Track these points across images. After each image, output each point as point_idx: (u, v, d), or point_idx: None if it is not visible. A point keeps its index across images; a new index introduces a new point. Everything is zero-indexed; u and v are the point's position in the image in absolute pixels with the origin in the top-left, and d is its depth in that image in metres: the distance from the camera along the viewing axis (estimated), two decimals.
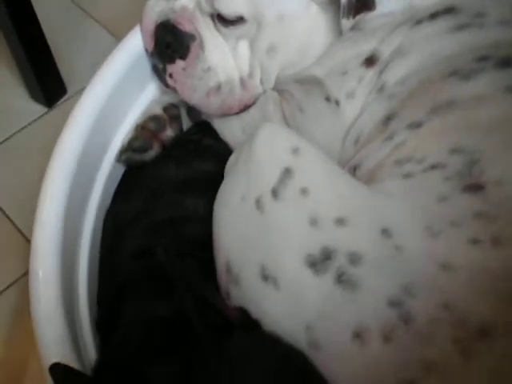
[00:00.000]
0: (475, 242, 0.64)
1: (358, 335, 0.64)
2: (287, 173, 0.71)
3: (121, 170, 0.94)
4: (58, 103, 1.37)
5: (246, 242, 0.71)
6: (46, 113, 1.36)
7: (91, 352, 0.79)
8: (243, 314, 0.68)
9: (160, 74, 0.92)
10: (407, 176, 0.73)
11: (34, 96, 1.36)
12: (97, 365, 0.72)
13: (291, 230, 0.69)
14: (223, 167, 0.83)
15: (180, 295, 0.66)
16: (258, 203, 0.71)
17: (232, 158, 0.82)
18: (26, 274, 1.06)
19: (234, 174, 0.77)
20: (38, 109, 1.36)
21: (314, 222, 0.68)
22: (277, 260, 0.69)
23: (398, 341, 0.62)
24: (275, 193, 0.70)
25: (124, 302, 0.76)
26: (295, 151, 0.72)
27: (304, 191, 0.70)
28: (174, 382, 0.62)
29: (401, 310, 0.63)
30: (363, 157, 0.81)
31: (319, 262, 0.66)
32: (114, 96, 0.90)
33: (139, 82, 0.95)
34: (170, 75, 0.91)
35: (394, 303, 0.63)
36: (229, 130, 0.94)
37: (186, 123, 0.98)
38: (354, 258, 0.65)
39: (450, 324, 0.62)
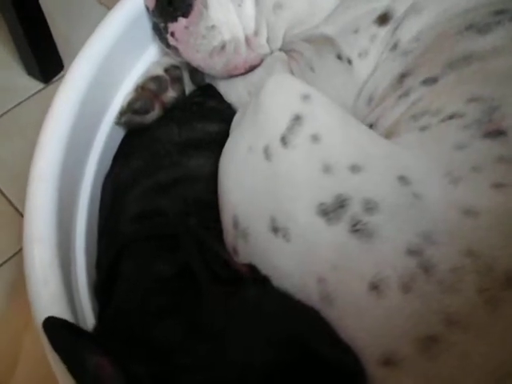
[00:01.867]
0: (498, 186, 0.60)
1: (374, 286, 0.59)
2: (297, 119, 0.67)
3: (120, 133, 0.89)
4: (55, 79, 1.33)
5: (253, 194, 0.67)
6: (42, 88, 1.32)
7: (89, 317, 0.74)
8: (252, 269, 0.64)
9: (161, 33, 0.88)
10: (424, 128, 0.69)
11: (31, 72, 1.33)
12: (95, 325, 0.67)
13: (302, 178, 0.65)
14: (228, 128, 0.79)
15: (185, 249, 0.62)
16: (267, 152, 0.67)
17: (238, 115, 0.78)
18: (21, 250, 1.01)
19: (241, 127, 0.73)
20: (35, 84, 1.33)
21: (326, 169, 0.64)
22: (287, 210, 0.64)
23: (418, 291, 0.58)
24: (284, 140, 0.66)
25: (124, 264, 0.72)
26: (305, 98, 0.68)
27: (315, 138, 0.65)
28: (179, 339, 0.57)
29: (421, 258, 0.58)
30: (379, 115, 0.77)
31: (332, 210, 0.62)
32: (112, 57, 0.86)
33: (139, 43, 0.91)
34: (172, 34, 0.87)
35: (413, 252, 0.59)
36: (234, 91, 0.90)
37: (189, 87, 0.94)
38: (370, 206, 0.61)
39: (475, 272, 0.57)
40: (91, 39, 0.86)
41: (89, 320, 0.74)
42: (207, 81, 0.93)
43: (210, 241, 0.64)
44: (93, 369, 0.56)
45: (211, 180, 0.77)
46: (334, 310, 0.61)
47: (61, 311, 0.66)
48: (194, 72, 0.93)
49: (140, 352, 0.58)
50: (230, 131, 0.77)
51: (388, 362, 0.58)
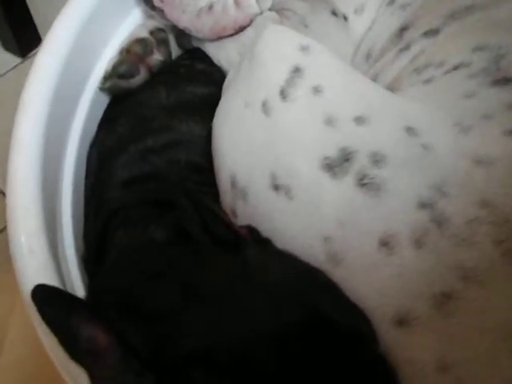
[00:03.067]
0: (511, 133, 0.56)
1: (384, 243, 0.56)
2: (297, 71, 0.63)
3: (105, 99, 0.85)
4: (32, 53, 1.28)
5: (252, 151, 0.63)
6: (20, 63, 1.27)
7: (79, 291, 0.70)
8: (252, 231, 0.60)
9: None
10: (428, 81, 0.66)
11: (8, 46, 1.28)
12: (86, 297, 0.63)
13: (304, 132, 0.61)
14: (219, 92, 0.75)
15: (181, 211, 0.57)
16: (265, 107, 0.63)
17: (230, 75, 0.74)
18: (4, 230, 0.97)
19: (235, 83, 0.69)
20: (12, 59, 1.28)
21: (329, 122, 0.60)
22: (289, 166, 0.60)
23: (432, 246, 0.55)
24: (284, 93, 0.62)
25: (114, 231, 0.68)
26: (305, 49, 0.64)
27: (317, 90, 0.62)
28: (177, 304, 0.53)
29: (433, 211, 0.55)
30: (378, 71, 0.74)
31: (337, 164, 0.58)
32: (94, 20, 0.82)
33: (123, 6, 0.87)
34: None
35: (424, 205, 0.55)
36: (224, 53, 0.86)
37: (175, 51, 0.89)
38: (377, 159, 0.58)
39: (491, 223, 0.54)
40: (70, 3, 0.82)
41: (79, 293, 0.69)
42: (194, 44, 0.89)
43: (207, 201, 0.60)
44: (86, 341, 0.52)
45: (203, 143, 0.74)
46: (342, 271, 0.57)
47: (49, 281, 0.61)
48: (181, 35, 0.88)
49: (134, 321, 0.53)
50: (223, 91, 0.73)
51: (402, 321, 0.55)
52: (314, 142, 0.60)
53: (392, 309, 0.55)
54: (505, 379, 0.54)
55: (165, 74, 0.83)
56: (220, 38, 0.85)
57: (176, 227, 0.62)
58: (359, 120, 0.60)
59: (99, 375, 0.52)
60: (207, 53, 0.87)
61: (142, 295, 0.56)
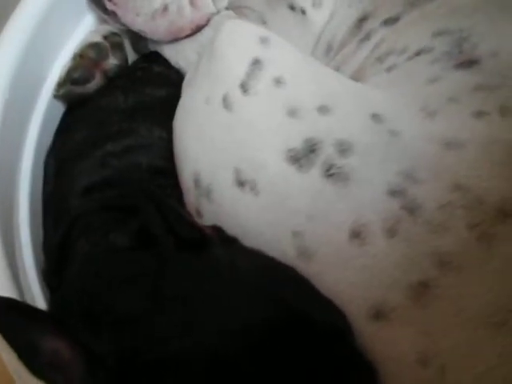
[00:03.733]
0: (480, 114, 0.55)
1: (356, 234, 0.54)
2: (257, 63, 0.61)
3: (61, 108, 0.82)
4: None
5: (214, 148, 0.61)
6: None
7: (41, 305, 0.66)
8: (218, 230, 0.57)
9: None
10: (390, 68, 0.64)
11: None
12: (48, 311, 0.60)
13: (267, 125, 0.59)
14: (178, 93, 0.73)
15: (143, 212, 0.55)
16: (226, 101, 0.61)
17: (189, 74, 0.71)
18: None
19: (195, 80, 0.66)
20: None
21: (292, 113, 0.58)
22: (253, 161, 0.58)
23: (405, 234, 0.53)
24: (244, 87, 0.60)
25: (75, 241, 0.65)
26: (264, 41, 0.62)
27: (278, 81, 0.60)
28: (144, 310, 0.51)
29: (404, 198, 0.53)
30: (340, 64, 0.72)
31: (303, 156, 0.56)
32: (45, 26, 0.78)
33: (75, 11, 0.84)
34: None
35: (395, 192, 0.53)
36: (181, 54, 0.84)
37: (132, 56, 0.87)
38: (343, 148, 0.56)
39: (464, 207, 0.52)
40: (20, 9, 0.79)
41: (40, 307, 0.66)
42: (151, 48, 0.87)
43: (170, 202, 0.57)
44: (49, 354, 0.48)
45: (164, 145, 0.71)
46: (314, 265, 0.55)
47: (6, 293, 0.58)
48: (136, 39, 0.86)
49: (101, 330, 0.50)
50: (183, 89, 0.70)
51: (378, 314, 0.53)
52: (277, 134, 0.58)
53: (367, 302, 0.53)
54: (488, 367, 0.52)
55: (121, 78, 0.81)
56: (177, 39, 0.83)
57: (139, 232, 0.59)
58: (323, 109, 0.58)
59: None
60: (165, 55, 0.85)
61: (107, 304, 0.53)
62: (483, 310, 0.52)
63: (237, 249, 0.55)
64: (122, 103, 0.76)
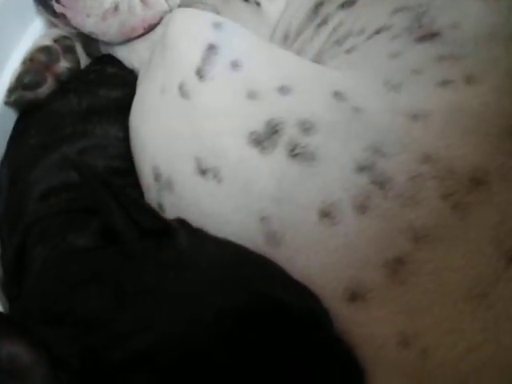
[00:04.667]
0: (445, 83, 0.53)
1: (325, 214, 0.51)
2: (211, 49, 0.59)
3: (13, 114, 0.79)
4: None
5: (173, 138, 0.59)
6: None
7: None
8: (183, 223, 0.55)
9: (45, 1, 0.78)
10: (350, 50, 0.63)
11: None
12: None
13: (226, 109, 0.57)
14: (133, 92, 0.70)
15: (102, 205, 0.52)
16: (182, 89, 0.58)
17: (144, 67, 0.69)
18: None
19: (149, 72, 0.64)
20: None
21: (252, 95, 0.56)
22: (214, 147, 0.56)
23: (376, 209, 0.51)
24: (200, 73, 0.58)
25: (32, 248, 0.61)
26: (217, 26, 0.60)
27: (235, 64, 0.58)
28: (108, 306, 0.47)
29: (373, 173, 0.51)
30: (298, 51, 0.70)
31: (265, 138, 0.54)
32: None
33: (23, 16, 0.81)
34: (57, 0, 0.77)
35: (363, 167, 0.51)
36: (135, 55, 0.81)
37: (84, 60, 0.84)
38: (306, 127, 0.54)
39: (435, 178, 0.50)
40: None
41: None
42: (103, 51, 0.84)
43: (130, 193, 0.54)
44: (6, 361, 0.45)
45: (121, 145, 0.68)
46: (284, 250, 0.53)
47: None
48: (88, 42, 0.83)
49: (63, 332, 0.47)
50: (137, 86, 0.68)
51: (355, 296, 0.50)
52: (238, 118, 0.56)
53: (342, 284, 0.51)
54: (470, 344, 0.50)
55: (74, 82, 0.78)
56: (129, 39, 0.80)
57: (101, 231, 0.56)
58: (283, 90, 0.56)
59: None
60: (118, 57, 0.82)
61: (67, 305, 0.50)
62: (462, 284, 0.50)
63: (202, 237, 0.52)
64: (76, 106, 0.73)
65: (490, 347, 0.50)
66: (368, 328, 0.51)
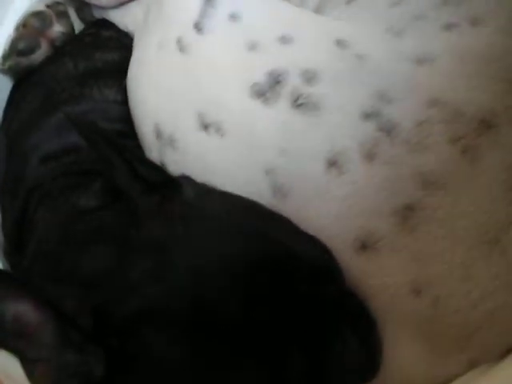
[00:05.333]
0: (450, 27, 0.52)
1: (332, 163, 0.50)
2: (209, 1, 0.57)
3: (9, 82, 0.77)
4: None
5: (173, 94, 0.57)
6: None
7: None
8: (187, 178, 0.53)
9: None
10: (350, 1, 0.61)
11: None
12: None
13: (227, 62, 0.55)
14: (129, 56, 0.68)
15: (108, 161, 0.50)
16: (180, 44, 0.57)
17: (140, 26, 0.67)
18: None
19: (146, 30, 0.63)
20: None
21: (252, 47, 0.55)
22: (216, 101, 0.55)
23: (384, 156, 0.49)
24: (199, 26, 0.57)
25: (34, 212, 0.60)
26: None
27: (234, 16, 0.56)
28: (115, 262, 0.46)
29: (379, 120, 0.50)
30: (297, 5, 0.68)
31: (268, 88, 0.53)
32: None
33: None
34: None
35: (369, 114, 0.50)
36: (129, 17, 0.79)
37: (78, 26, 0.82)
38: (310, 76, 0.52)
39: (443, 122, 0.49)
40: None
41: None
42: (97, 15, 0.82)
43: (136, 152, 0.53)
44: (13, 321, 0.44)
45: (120, 108, 0.67)
46: (291, 202, 0.52)
47: None
48: (81, 7, 0.81)
49: (69, 291, 0.46)
50: (134, 45, 0.66)
51: (365, 245, 0.49)
52: (239, 70, 0.55)
53: (352, 233, 0.50)
54: (483, 292, 0.50)
55: (69, 46, 0.76)
56: (122, 3, 0.78)
57: (104, 190, 0.55)
58: (284, 40, 0.54)
59: (33, 358, 0.44)
60: (112, 20, 0.81)
61: (75, 265, 0.49)
62: (474, 230, 0.49)
63: (208, 190, 0.51)
64: (72, 70, 0.72)
65: (502, 294, 0.50)
66: (379, 278, 0.50)
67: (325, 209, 0.51)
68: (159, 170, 0.51)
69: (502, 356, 0.52)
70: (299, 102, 0.52)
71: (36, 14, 0.77)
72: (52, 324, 0.43)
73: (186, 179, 0.54)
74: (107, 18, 0.81)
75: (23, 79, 0.76)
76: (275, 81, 0.53)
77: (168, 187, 0.49)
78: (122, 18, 0.80)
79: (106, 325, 0.44)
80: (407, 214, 0.49)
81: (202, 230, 0.46)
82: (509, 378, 0.51)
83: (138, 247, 0.47)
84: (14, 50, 0.75)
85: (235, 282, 0.44)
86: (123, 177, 0.49)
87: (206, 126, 0.55)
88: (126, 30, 0.79)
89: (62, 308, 0.43)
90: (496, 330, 0.51)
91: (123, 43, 0.76)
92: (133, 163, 0.50)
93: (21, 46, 0.75)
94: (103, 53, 0.74)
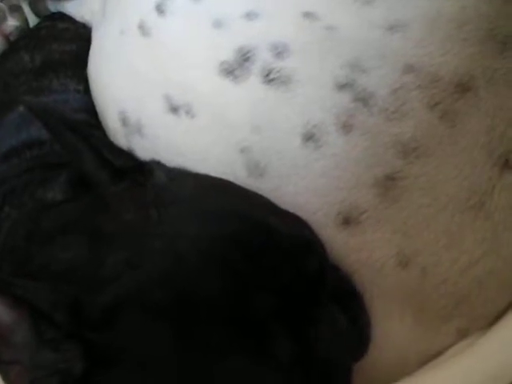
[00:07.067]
0: None
1: (309, 137, 0.49)
2: None
3: None
4: None
5: (138, 79, 0.55)
6: None
7: None
8: (157, 163, 0.51)
9: None
10: None
11: None
12: None
13: (192, 42, 0.54)
14: (87, 46, 0.66)
15: (74, 149, 0.48)
16: (143, 28, 0.55)
17: (97, 15, 0.65)
18: None
19: (105, 18, 0.61)
20: None
21: (218, 25, 0.53)
22: (184, 82, 0.53)
23: (362, 127, 0.48)
24: (160, 9, 0.55)
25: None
26: None
27: None
28: (86, 254, 0.44)
29: (354, 90, 0.49)
30: None
31: (237, 66, 0.51)
32: None
33: None
34: None
35: (343, 85, 0.49)
36: (85, 8, 0.77)
37: (32, 20, 0.79)
38: (279, 50, 0.51)
39: (420, 87, 0.48)
40: None
41: None
42: (51, 8, 0.80)
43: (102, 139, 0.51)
44: None
45: (82, 99, 0.64)
46: (268, 180, 0.50)
47: None
48: (35, 1, 0.79)
49: (41, 286, 0.43)
50: (92, 35, 0.64)
51: (347, 220, 0.48)
52: (205, 49, 0.53)
53: (333, 208, 0.49)
54: (470, 258, 0.49)
55: (24, 39, 0.73)
56: None
57: (71, 183, 0.52)
58: (250, 15, 0.53)
59: (7, 360, 0.42)
60: (68, 13, 0.78)
61: (44, 261, 0.46)
62: (458, 195, 0.48)
63: (180, 173, 0.49)
64: (29, 63, 0.69)
65: (490, 259, 0.49)
66: (364, 252, 0.49)
67: (304, 184, 0.49)
68: (128, 156, 0.48)
69: (492, 324, 0.51)
70: (270, 77, 0.50)
71: None
72: (26, 322, 0.41)
73: (156, 164, 0.52)
74: (62, 10, 0.79)
75: None
76: (244, 58, 0.51)
77: (138, 172, 0.47)
78: (77, 9, 0.78)
79: (83, 319, 0.41)
80: (389, 184, 0.48)
81: (176, 213, 0.44)
82: (495, 347, 0.50)
83: (111, 236, 0.44)
84: None
85: (215, 263, 0.42)
86: (90, 164, 0.47)
87: (174, 109, 0.53)
88: (82, 21, 0.77)
89: (36, 305, 0.41)
90: (484, 297, 0.50)
91: (80, 34, 0.73)
92: (99, 149, 0.47)
93: None
94: (60, 44, 0.71)
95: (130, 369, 0.42)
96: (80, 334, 0.41)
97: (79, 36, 0.73)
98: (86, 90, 0.64)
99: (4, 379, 0.43)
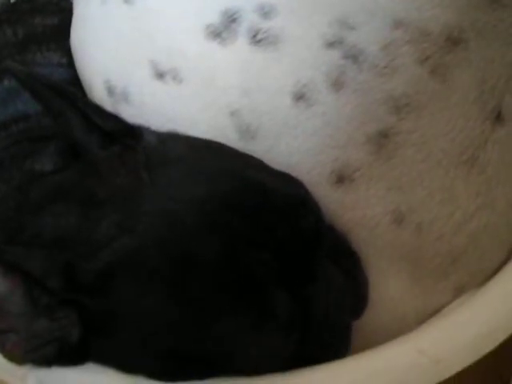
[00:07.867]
0: None
1: (299, 96, 0.48)
2: None
3: None
4: None
5: (122, 48, 0.55)
6: None
7: None
8: (147, 129, 0.51)
9: None
10: None
11: None
12: None
13: (176, 6, 0.53)
14: (70, 19, 0.65)
15: (62, 118, 0.47)
16: None
17: None
18: None
19: None
20: None
21: None
22: (170, 47, 0.52)
23: (353, 84, 0.48)
24: None
25: None
26: None
27: None
28: (77, 221, 0.43)
29: (344, 47, 0.48)
30: None
31: (223, 28, 0.50)
32: None
33: None
34: None
35: (332, 43, 0.48)
36: None
37: None
38: (266, 10, 0.50)
39: (410, 42, 0.48)
40: None
41: None
42: None
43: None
44: None
45: (67, 71, 0.63)
46: (260, 142, 0.49)
47: None
48: None
49: (33, 254, 0.43)
50: (74, 5, 0.63)
51: (341, 178, 0.48)
52: (190, 13, 0.52)
53: (327, 167, 0.48)
54: (465, 213, 0.48)
55: (6, 14, 0.72)
56: None
57: (60, 152, 0.51)
58: None
59: (2, 329, 0.41)
60: None
61: (35, 230, 0.46)
62: (451, 150, 0.48)
63: (170, 135, 0.48)
64: (12, 37, 0.68)
65: (485, 213, 0.49)
66: (359, 210, 0.48)
67: (296, 144, 0.49)
68: (117, 119, 0.47)
69: (488, 280, 0.51)
70: (258, 37, 0.50)
71: None
72: (20, 290, 0.40)
73: (145, 128, 0.51)
74: None
75: None
76: (230, 19, 0.50)
77: (128, 136, 0.46)
78: None
79: (77, 284, 0.41)
80: (382, 141, 0.47)
81: (168, 175, 0.44)
82: (493, 299, 0.50)
83: (103, 201, 0.44)
84: None
85: (209, 224, 0.41)
86: (78, 129, 0.46)
87: (161, 75, 0.52)
88: None
89: (29, 272, 0.40)
90: (480, 253, 0.50)
91: (62, 7, 0.72)
92: (87, 113, 0.46)
93: None
94: (43, 18, 0.70)
95: (126, 334, 0.42)
96: (74, 299, 0.41)
97: (61, 9, 0.72)
98: (70, 63, 0.63)
99: (0, 350, 0.42)
